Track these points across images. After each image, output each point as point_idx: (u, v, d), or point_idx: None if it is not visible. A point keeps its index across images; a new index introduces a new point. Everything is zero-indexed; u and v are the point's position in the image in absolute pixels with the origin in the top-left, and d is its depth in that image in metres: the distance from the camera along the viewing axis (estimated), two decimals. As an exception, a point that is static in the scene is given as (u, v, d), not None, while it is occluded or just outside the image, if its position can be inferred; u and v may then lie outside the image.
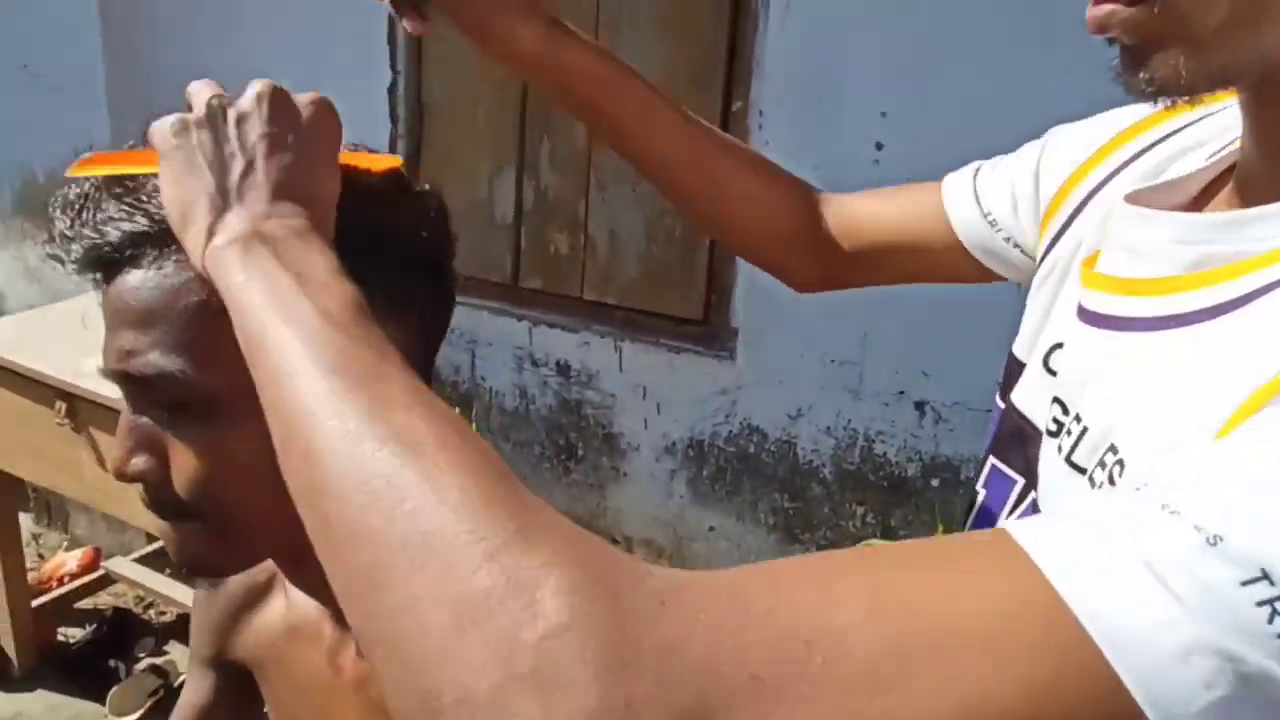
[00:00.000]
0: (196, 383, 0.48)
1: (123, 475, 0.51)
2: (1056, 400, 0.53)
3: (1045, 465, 0.53)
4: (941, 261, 0.72)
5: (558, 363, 2.05)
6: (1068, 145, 0.63)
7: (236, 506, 0.51)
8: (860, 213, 0.75)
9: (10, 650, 2.20)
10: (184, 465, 0.50)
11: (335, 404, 0.34)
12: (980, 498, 0.64)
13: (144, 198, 0.49)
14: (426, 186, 0.57)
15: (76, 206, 0.50)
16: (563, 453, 2.12)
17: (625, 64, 0.69)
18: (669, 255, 1.89)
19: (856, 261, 0.76)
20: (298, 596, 0.63)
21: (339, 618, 0.62)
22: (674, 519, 2.04)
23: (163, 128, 0.46)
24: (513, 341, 2.09)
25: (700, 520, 2.01)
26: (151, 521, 0.53)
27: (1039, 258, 0.64)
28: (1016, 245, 0.67)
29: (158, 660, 2.27)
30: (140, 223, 0.48)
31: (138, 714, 2.13)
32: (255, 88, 0.47)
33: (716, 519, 2.00)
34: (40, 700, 2.18)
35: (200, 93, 0.47)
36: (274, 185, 0.44)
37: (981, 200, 0.69)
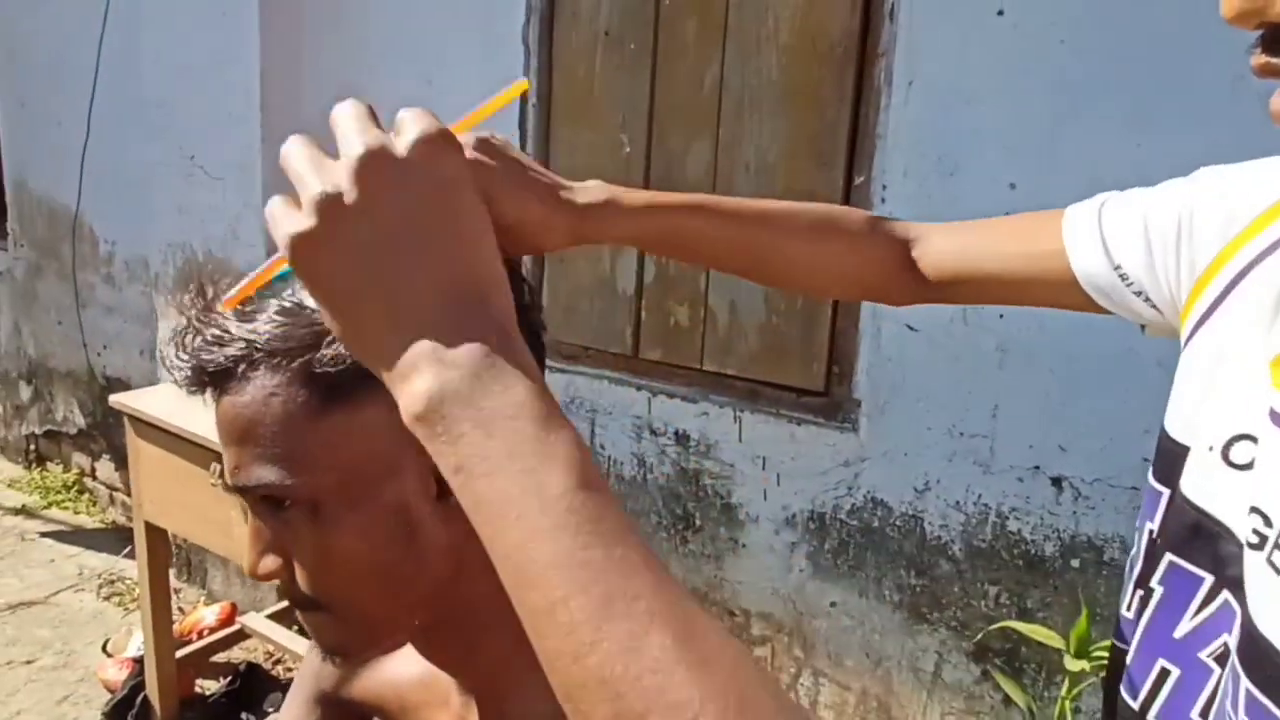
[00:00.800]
0: (294, 488, 0.52)
1: (256, 575, 0.55)
2: (1255, 511, 0.51)
3: (1255, 576, 0.50)
4: (1051, 297, 0.69)
5: (676, 432, 2.08)
6: (1219, 205, 0.60)
7: (351, 596, 0.55)
8: (959, 247, 0.72)
9: (154, 699, 2.31)
10: (301, 563, 0.54)
11: (599, 620, 0.33)
12: (1158, 594, 0.61)
13: (227, 329, 0.52)
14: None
15: (179, 337, 0.54)
16: (680, 522, 2.13)
17: (664, 199, 0.63)
18: (790, 327, 1.90)
19: (956, 290, 0.73)
20: None
21: (465, 688, 0.63)
22: (793, 593, 2.00)
23: (282, 230, 0.39)
24: (632, 411, 2.13)
25: (821, 595, 1.96)
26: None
27: (1187, 331, 0.61)
28: (1148, 300, 0.64)
29: (286, 716, 2.34)
30: (226, 353, 0.52)
31: (267, 769, 2.20)
32: (349, 162, 0.38)
33: (839, 594, 1.95)
34: (179, 750, 2.28)
35: (306, 175, 0.39)
36: (433, 300, 0.37)
37: (1111, 250, 0.65)
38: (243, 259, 2.57)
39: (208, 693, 2.43)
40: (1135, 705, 0.59)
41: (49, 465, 3.63)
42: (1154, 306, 0.64)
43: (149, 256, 2.87)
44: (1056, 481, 1.69)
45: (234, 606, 2.60)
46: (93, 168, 3.05)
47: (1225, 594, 0.54)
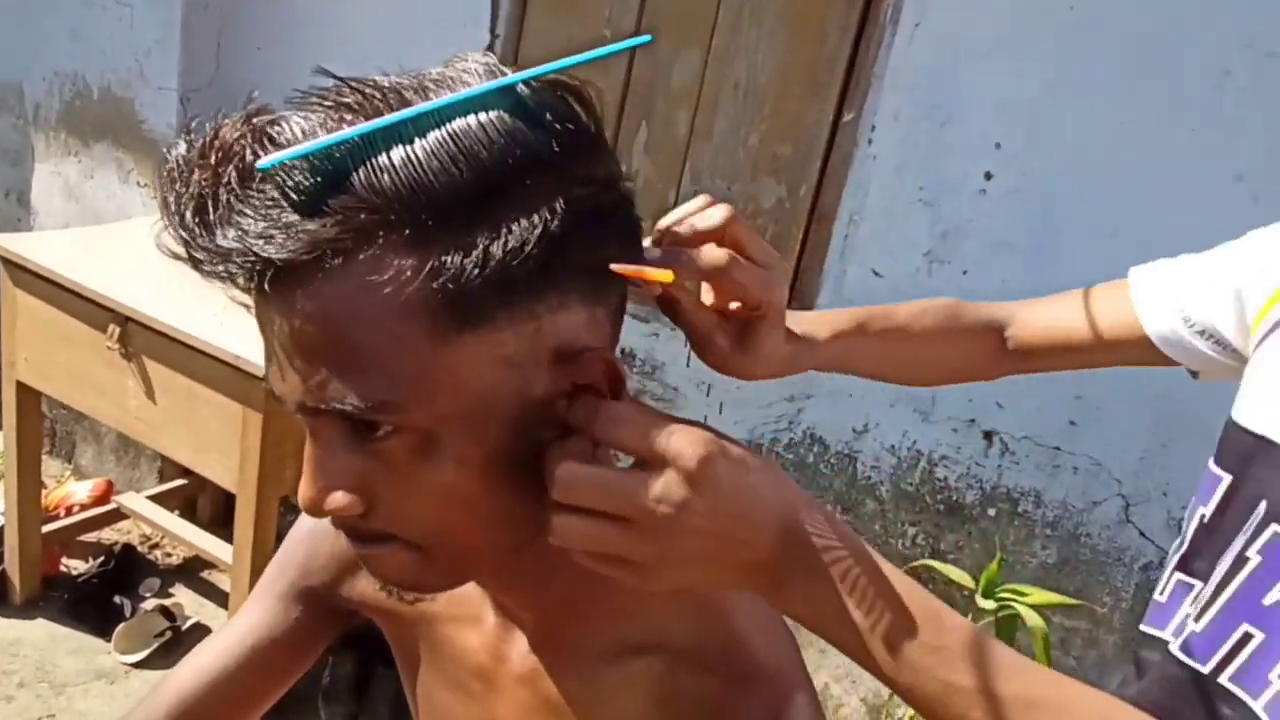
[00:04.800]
0: (406, 414, 0.41)
1: (317, 512, 0.44)
2: None
3: None
4: (1134, 359, 0.78)
5: (623, 350, 2.04)
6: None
7: (451, 537, 0.46)
8: (1044, 324, 0.81)
9: (14, 575, 2.12)
10: (391, 500, 0.44)
11: None
12: (1254, 564, 0.63)
13: (296, 184, 0.38)
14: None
15: (206, 206, 0.39)
16: (611, 440, 2.11)
17: (836, 323, 0.70)
18: (754, 256, 1.88)
19: (1044, 360, 0.83)
20: None
21: (502, 609, 0.58)
22: (717, 519, 2.04)
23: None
24: (576, 322, 2.07)
25: (746, 523, 2.01)
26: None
27: (1261, 334, 0.66)
28: (1212, 336, 0.72)
29: (165, 602, 2.20)
30: (300, 244, 0.38)
31: (144, 654, 2.07)
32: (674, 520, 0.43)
33: (763, 524, 2.00)
34: (41, 629, 2.11)
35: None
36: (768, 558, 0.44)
37: (1176, 299, 0.74)
38: (149, 102, 2.29)
39: (75, 572, 2.24)
40: (1205, 669, 0.63)
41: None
42: (1217, 342, 0.72)
43: (26, 85, 2.51)
44: (988, 435, 1.78)
45: (110, 484, 2.40)
46: (-39, -31, 2.62)
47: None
